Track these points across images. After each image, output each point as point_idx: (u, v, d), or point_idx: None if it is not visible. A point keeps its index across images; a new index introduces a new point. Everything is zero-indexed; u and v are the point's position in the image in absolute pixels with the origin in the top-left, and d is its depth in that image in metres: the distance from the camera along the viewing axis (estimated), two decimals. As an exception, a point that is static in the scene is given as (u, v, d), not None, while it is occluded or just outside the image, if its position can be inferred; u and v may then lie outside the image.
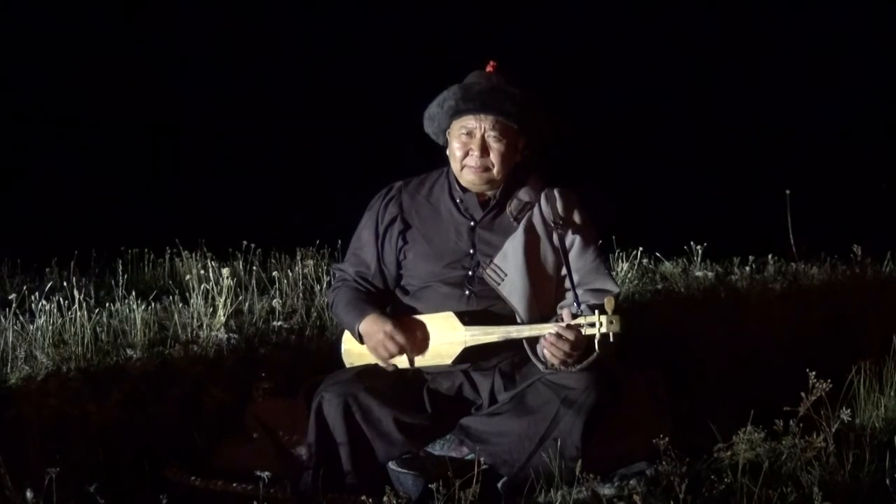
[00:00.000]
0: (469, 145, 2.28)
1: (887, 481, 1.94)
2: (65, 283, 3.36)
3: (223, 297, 3.18)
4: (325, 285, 3.53)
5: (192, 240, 4.35)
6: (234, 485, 2.19)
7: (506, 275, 2.28)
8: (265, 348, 3.02)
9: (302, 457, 2.25)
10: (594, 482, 1.91)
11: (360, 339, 2.34)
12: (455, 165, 2.34)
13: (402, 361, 2.31)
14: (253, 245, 4.22)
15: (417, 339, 2.28)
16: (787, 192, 4.14)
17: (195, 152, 7.48)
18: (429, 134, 2.42)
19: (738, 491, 1.95)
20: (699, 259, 4.30)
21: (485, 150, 2.28)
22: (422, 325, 2.29)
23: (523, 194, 2.36)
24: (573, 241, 2.34)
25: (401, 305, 2.38)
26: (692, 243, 4.34)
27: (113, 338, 3.01)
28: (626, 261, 4.24)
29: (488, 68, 2.33)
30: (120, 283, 3.47)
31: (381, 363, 2.31)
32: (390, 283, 2.42)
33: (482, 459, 2.00)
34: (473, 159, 2.28)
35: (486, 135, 2.27)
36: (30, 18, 7.27)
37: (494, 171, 2.29)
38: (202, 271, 3.50)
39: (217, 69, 7.85)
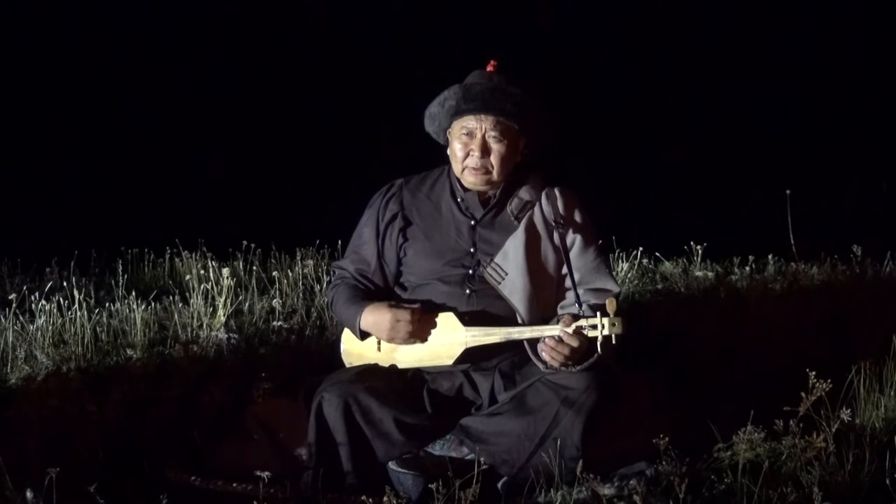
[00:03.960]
0: (470, 145, 2.28)
1: (887, 481, 1.94)
2: (65, 283, 3.36)
3: (223, 297, 3.18)
4: (325, 285, 3.53)
5: (192, 240, 4.34)
6: (234, 485, 2.19)
7: (506, 274, 2.28)
8: (265, 348, 3.01)
9: (302, 457, 2.25)
10: (594, 482, 1.91)
11: (361, 336, 2.34)
12: (456, 166, 2.34)
13: (403, 359, 2.31)
14: (253, 245, 4.22)
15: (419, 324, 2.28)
16: (788, 192, 4.14)
17: (195, 152, 7.48)
18: (429, 133, 2.42)
19: (738, 491, 1.96)
20: (699, 259, 4.30)
21: (485, 150, 2.28)
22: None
23: (524, 193, 2.36)
24: (574, 240, 2.35)
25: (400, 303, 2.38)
26: (692, 243, 4.34)
27: (113, 338, 3.00)
28: (626, 261, 4.24)
29: (489, 68, 2.33)
30: (120, 283, 3.47)
31: (398, 343, 2.29)
32: (390, 281, 2.42)
33: (482, 459, 2.00)
34: (474, 160, 2.28)
35: (486, 135, 2.27)
36: (29, 17, 7.27)
37: (494, 172, 2.29)
38: (202, 271, 3.50)
39: (217, 68, 7.85)
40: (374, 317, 2.28)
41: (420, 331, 2.28)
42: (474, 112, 2.26)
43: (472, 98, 2.26)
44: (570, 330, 2.14)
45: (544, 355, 2.17)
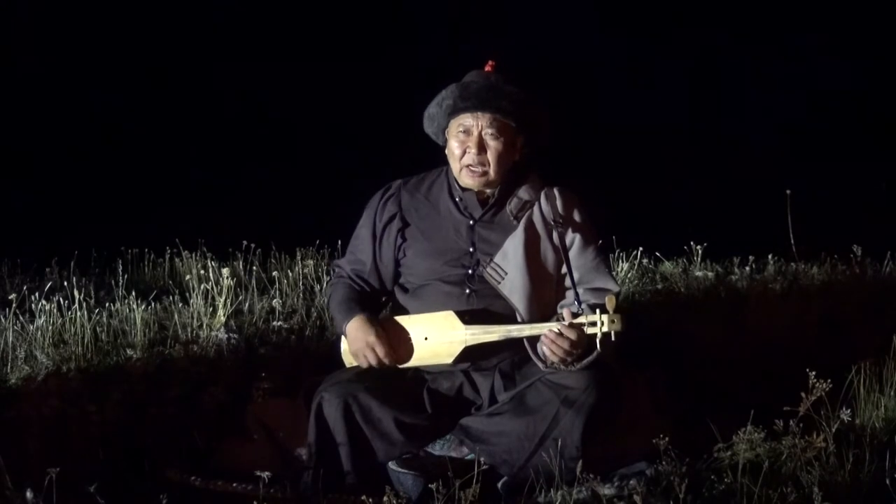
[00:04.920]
0: (467, 143, 2.28)
1: (887, 481, 1.94)
2: (65, 283, 3.36)
3: (223, 297, 3.18)
4: (324, 285, 3.53)
5: (192, 240, 4.34)
6: (234, 485, 2.19)
7: (506, 273, 2.28)
8: (265, 348, 3.02)
9: (302, 457, 2.26)
10: (594, 482, 1.91)
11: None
12: (454, 165, 2.34)
13: (403, 358, 2.30)
14: (253, 245, 4.22)
15: (408, 345, 2.29)
16: (788, 192, 4.14)
17: (195, 152, 7.48)
18: (428, 134, 2.42)
19: (738, 491, 1.96)
20: (699, 259, 4.30)
21: (482, 147, 2.27)
22: (421, 324, 2.29)
23: (523, 193, 2.36)
24: (573, 239, 2.34)
25: (400, 303, 2.38)
26: (692, 243, 4.34)
27: (113, 338, 3.00)
28: (626, 261, 4.24)
29: (487, 67, 2.34)
30: (120, 283, 3.46)
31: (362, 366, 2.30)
32: (386, 282, 2.42)
33: (482, 459, 2.00)
34: (471, 157, 2.28)
35: (483, 132, 2.27)
36: (31, 16, 7.27)
37: (491, 170, 2.29)
38: (202, 271, 3.50)
39: (216, 68, 7.85)
40: (356, 331, 2.29)
41: (387, 363, 2.27)
42: (471, 110, 2.26)
43: (468, 96, 2.26)
44: (569, 323, 2.14)
45: (544, 349, 2.17)
